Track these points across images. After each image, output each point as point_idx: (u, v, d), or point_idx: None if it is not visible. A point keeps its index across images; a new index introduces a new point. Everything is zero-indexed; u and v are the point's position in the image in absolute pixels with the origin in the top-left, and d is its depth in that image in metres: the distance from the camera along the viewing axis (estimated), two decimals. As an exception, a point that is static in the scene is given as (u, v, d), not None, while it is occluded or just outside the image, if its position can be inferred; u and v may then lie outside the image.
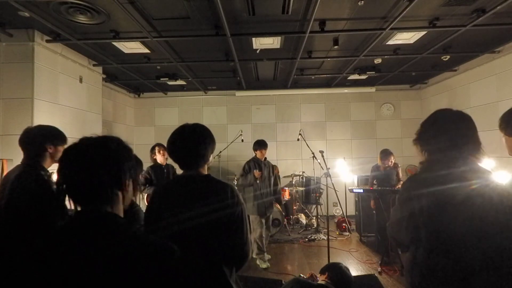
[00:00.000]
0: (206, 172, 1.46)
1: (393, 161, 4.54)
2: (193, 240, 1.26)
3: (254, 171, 4.08)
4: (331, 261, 3.56)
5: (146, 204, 3.89)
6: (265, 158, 4.25)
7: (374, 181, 4.63)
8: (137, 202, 1.91)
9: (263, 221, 4.13)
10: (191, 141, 1.40)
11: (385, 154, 4.50)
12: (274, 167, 4.45)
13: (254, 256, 4.08)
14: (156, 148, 4.01)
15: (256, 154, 4.22)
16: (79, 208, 0.80)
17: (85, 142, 0.84)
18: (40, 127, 1.90)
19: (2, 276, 0.71)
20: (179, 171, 1.45)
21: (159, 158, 3.99)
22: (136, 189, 0.93)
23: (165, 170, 3.96)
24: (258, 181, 4.08)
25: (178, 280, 0.76)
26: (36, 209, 1.61)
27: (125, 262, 0.71)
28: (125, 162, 0.85)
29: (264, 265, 3.99)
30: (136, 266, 0.71)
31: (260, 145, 4.17)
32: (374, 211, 4.65)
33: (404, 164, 4.70)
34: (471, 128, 1.27)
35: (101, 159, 0.81)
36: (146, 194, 3.88)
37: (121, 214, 0.86)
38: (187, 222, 1.26)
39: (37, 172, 1.76)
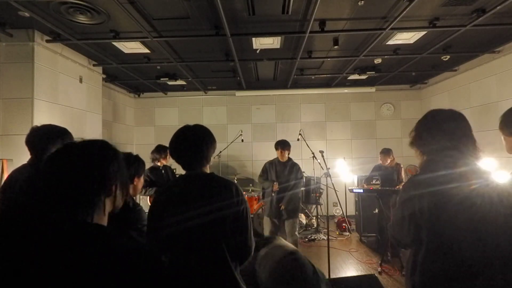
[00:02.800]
0: (208, 171, 1.48)
1: (390, 160, 4.55)
2: (199, 237, 1.30)
3: (274, 184, 3.82)
4: (331, 262, 3.55)
5: (149, 204, 3.88)
6: (289, 159, 3.91)
7: (374, 180, 4.60)
8: (137, 202, 1.93)
9: (273, 223, 3.86)
10: (193, 142, 1.43)
11: (383, 152, 4.69)
12: (299, 169, 3.91)
13: None
14: (168, 151, 3.99)
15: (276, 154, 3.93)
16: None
17: (67, 149, 0.80)
18: (53, 126, 1.79)
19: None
20: (178, 171, 1.46)
21: (164, 161, 3.99)
22: (126, 191, 0.89)
23: (163, 171, 3.97)
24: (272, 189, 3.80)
25: None
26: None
27: (109, 277, 0.67)
28: (109, 166, 0.81)
29: None
30: (121, 282, 0.67)
31: (278, 144, 3.88)
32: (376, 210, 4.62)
33: (404, 164, 4.72)
34: (469, 128, 1.27)
35: (83, 165, 0.77)
36: (148, 196, 3.88)
37: (105, 221, 0.82)
38: (193, 219, 1.28)
39: None
